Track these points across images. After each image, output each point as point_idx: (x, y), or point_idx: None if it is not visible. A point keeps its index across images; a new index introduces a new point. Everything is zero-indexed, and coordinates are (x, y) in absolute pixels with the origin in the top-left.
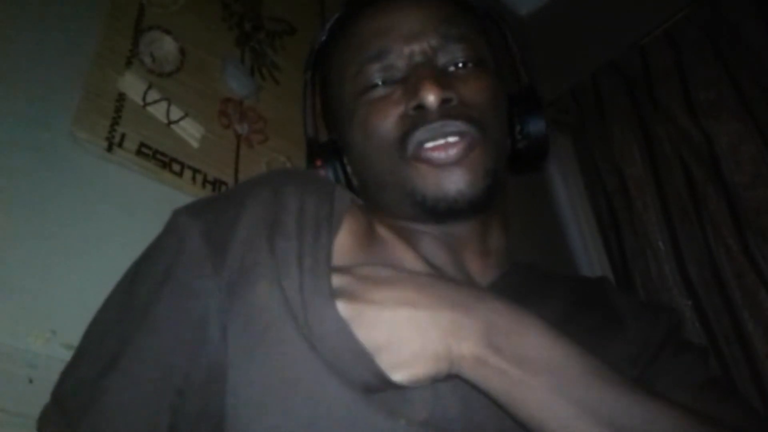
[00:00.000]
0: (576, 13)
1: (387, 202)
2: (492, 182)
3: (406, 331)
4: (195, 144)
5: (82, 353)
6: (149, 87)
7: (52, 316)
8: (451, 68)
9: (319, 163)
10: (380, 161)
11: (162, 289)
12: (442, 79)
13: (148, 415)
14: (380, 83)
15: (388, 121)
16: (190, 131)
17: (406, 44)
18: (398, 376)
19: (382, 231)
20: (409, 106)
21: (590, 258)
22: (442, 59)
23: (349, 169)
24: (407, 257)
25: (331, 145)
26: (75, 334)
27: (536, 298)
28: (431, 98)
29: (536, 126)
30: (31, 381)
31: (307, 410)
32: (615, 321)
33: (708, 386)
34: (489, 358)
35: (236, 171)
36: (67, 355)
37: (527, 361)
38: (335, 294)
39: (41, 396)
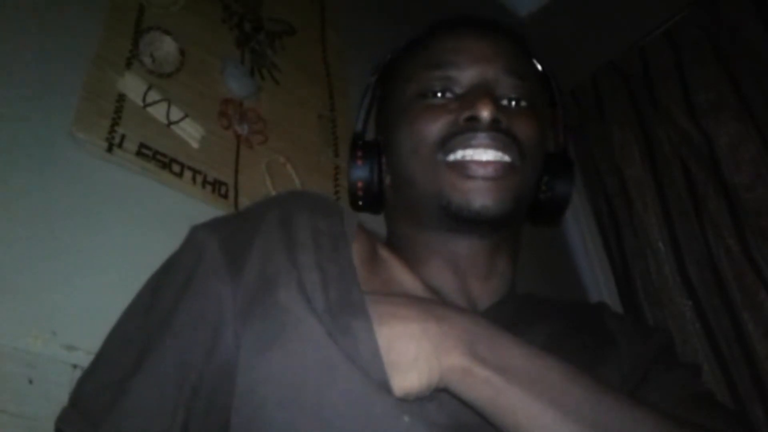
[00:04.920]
0: (576, 14)
1: (413, 202)
2: (516, 208)
3: (402, 342)
4: (195, 145)
5: (102, 360)
6: (149, 88)
7: (52, 317)
8: (504, 102)
9: (359, 153)
10: (417, 160)
11: (182, 297)
12: (497, 104)
13: (167, 412)
14: (439, 93)
15: (436, 125)
16: (190, 132)
17: (471, 65)
18: (393, 386)
19: (385, 254)
20: (462, 116)
21: (590, 258)
22: (499, 91)
23: (385, 167)
24: (406, 279)
25: (374, 143)
26: (75, 335)
27: (529, 322)
28: (485, 113)
29: (564, 183)
30: (30, 382)
31: (317, 398)
32: (608, 342)
33: (695, 399)
34: (474, 368)
35: (236, 172)
36: (67, 356)
37: (510, 369)
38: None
39: (41, 397)
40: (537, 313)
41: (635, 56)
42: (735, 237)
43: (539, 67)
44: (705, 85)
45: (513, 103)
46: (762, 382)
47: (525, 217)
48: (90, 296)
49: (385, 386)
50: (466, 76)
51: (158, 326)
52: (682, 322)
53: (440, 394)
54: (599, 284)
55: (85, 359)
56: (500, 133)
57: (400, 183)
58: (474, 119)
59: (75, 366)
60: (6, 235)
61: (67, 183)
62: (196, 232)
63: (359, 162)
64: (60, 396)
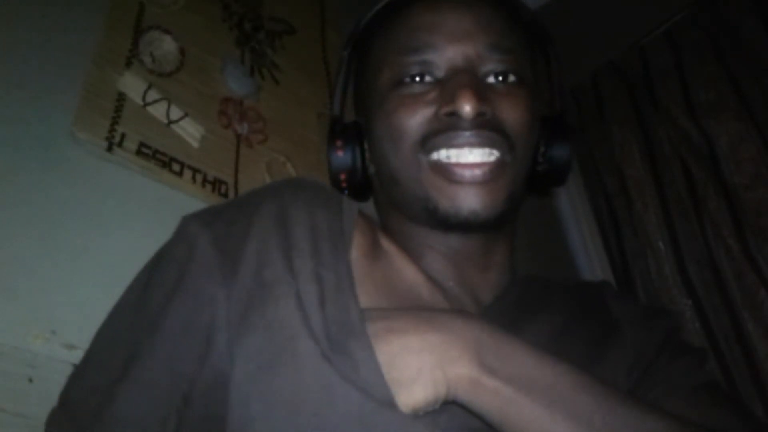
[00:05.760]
0: (576, 13)
1: (399, 199)
2: (510, 205)
3: (402, 358)
4: (195, 144)
5: (91, 360)
6: (149, 87)
7: (52, 316)
8: (491, 79)
9: (338, 143)
10: (398, 158)
11: (173, 297)
12: (481, 91)
13: (157, 421)
14: (417, 79)
15: (415, 119)
16: (190, 131)
17: (450, 44)
18: (400, 403)
19: (386, 244)
20: (442, 111)
21: (590, 258)
22: (483, 68)
23: (368, 155)
24: (408, 271)
25: (354, 127)
26: (75, 334)
27: (535, 313)
28: (467, 108)
29: (562, 153)
30: (31, 381)
31: (313, 422)
32: (612, 329)
33: (703, 390)
34: (482, 377)
35: (236, 171)
36: (67, 355)
37: (519, 379)
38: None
39: (41, 396)
40: (541, 302)
41: (635, 56)
42: (735, 237)
43: (531, 25)
44: (705, 85)
45: (500, 78)
46: (762, 382)
47: (523, 197)
48: (90, 296)
49: (389, 406)
50: (445, 57)
51: (147, 328)
52: (682, 321)
53: (450, 406)
54: None
55: None
56: (485, 129)
57: (383, 176)
58: (455, 114)
59: (75, 365)
60: (6, 235)
61: (67, 183)
62: (187, 224)
63: (339, 152)
64: None
